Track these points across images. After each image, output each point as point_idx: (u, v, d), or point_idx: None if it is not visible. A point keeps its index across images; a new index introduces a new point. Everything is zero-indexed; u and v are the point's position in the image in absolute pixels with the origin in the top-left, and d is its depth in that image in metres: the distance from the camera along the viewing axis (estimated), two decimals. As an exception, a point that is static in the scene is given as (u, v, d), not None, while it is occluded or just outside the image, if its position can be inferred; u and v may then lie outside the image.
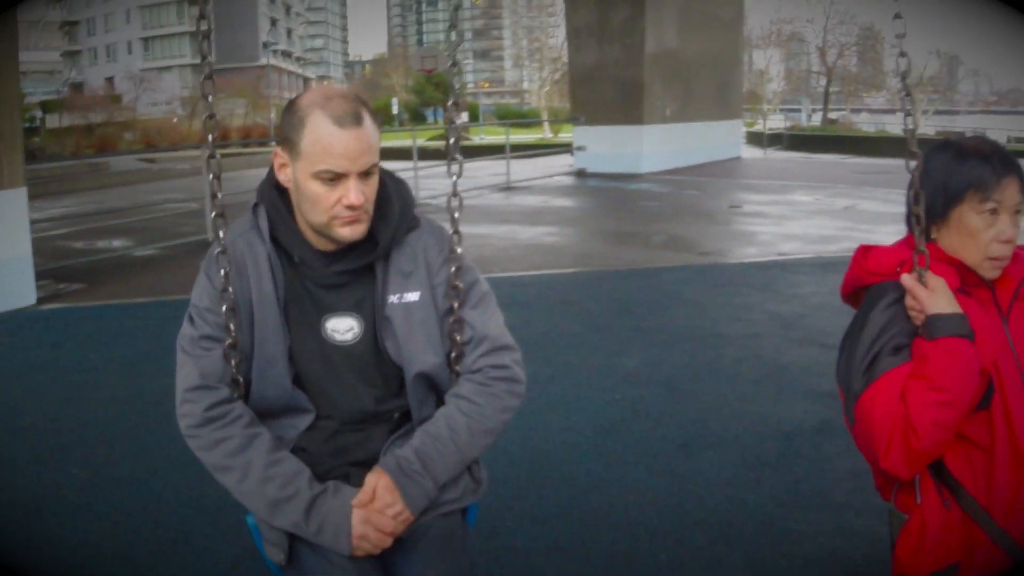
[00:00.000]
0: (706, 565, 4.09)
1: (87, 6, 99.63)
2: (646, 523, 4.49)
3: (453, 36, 2.95)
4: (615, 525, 4.48)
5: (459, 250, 2.52)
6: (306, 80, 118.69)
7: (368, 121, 2.29)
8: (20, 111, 10.13)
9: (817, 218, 15.59)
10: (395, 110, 67.56)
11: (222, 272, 2.37)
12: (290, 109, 2.33)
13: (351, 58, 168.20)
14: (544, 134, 59.83)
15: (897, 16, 2.63)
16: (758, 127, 55.76)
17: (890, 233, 13.62)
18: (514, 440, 5.35)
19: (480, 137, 59.21)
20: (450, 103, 2.77)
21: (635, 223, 15.51)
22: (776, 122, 67.01)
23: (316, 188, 2.27)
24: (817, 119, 71.24)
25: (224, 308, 2.37)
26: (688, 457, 5.28)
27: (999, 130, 60.20)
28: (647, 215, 16.45)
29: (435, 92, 71.43)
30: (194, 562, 4.23)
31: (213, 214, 2.48)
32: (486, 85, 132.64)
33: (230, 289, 2.38)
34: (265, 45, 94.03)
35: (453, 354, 2.51)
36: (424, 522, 2.42)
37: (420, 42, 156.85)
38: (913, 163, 2.34)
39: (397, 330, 2.43)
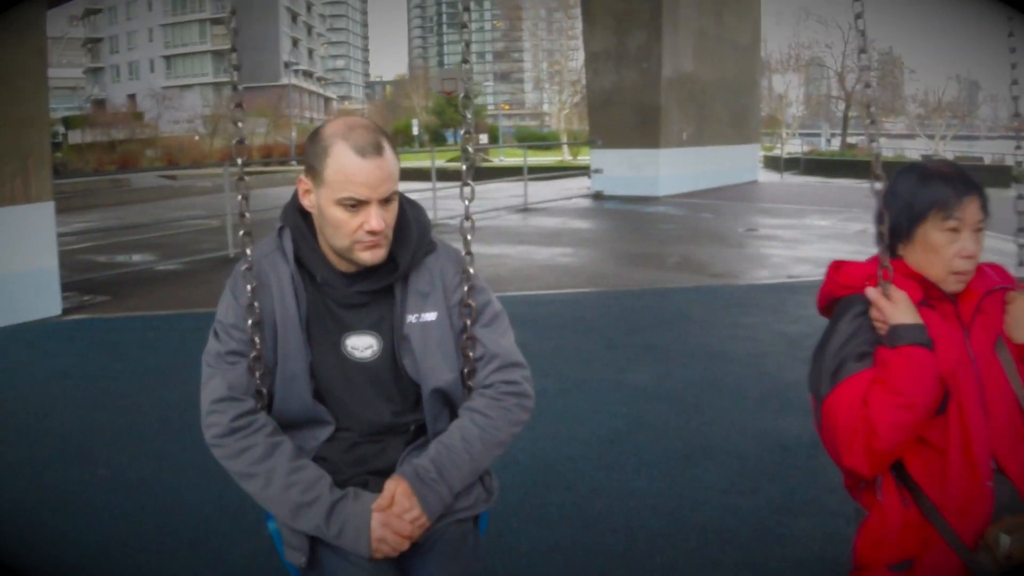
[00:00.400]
0: (700, 565, 4.27)
1: (110, 23, 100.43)
2: (644, 526, 4.68)
3: (464, 66, 3.14)
4: (614, 528, 4.67)
5: (471, 271, 2.66)
6: (327, 100, 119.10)
7: (388, 151, 2.44)
8: (47, 128, 10.42)
9: (830, 242, 15.72)
10: (415, 131, 67.83)
11: (248, 288, 2.52)
12: (314, 139, 2.48)
13: (372, 78, 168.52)
14: (563, 156, 59.97)
15: (860, 29, 2.87)
16: (776, 151, 55.79)
17: (900, 256, 13.84)
18: (522, 448, 5.53)
19: (500, 159, 59.40)
20: (463, 132, 2.97)
21: (650, 245, 15.71)
22: (795, 146, 67.07)
23: (339, 214, 2.42)
24: (836, 144, 71.26)
25: (250, 323, 2.52)
26: (688, 467, 5.47)
27: (1017, 155, 60.04)
28: (662, 237, 16.65)
29: (455, 114, 71.76)
30: (213, 559, 4.42)
31: (241, 232, 2.63)
32: (506, 107, 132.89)
33: (256, 304, 2.52)
34: (287, 65, 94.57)
35: (466, 370, 2.65)
36: (439, 528, 2.54)
37: (441, 63, 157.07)
38: (879, 185, 2.55)
39: (415, 348, 2.57)
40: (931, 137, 74.14)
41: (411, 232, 2.60)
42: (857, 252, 13.87)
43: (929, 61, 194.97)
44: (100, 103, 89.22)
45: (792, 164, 44.95)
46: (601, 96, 26.05)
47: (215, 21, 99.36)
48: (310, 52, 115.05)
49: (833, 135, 76.93)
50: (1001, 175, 37.89)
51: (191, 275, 12.85)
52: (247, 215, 2.66)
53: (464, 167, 2.84)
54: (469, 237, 2.71)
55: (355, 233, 2.42)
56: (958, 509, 2.39)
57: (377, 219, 2.41)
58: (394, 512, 2.44)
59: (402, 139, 66.11)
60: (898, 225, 2.53)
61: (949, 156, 59.41)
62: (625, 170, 24.36)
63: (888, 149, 73.64)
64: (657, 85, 24.69)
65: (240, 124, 2.65)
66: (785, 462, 5.50)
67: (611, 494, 5.13)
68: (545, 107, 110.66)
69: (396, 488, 2.47)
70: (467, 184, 2.77)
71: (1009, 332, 2.53)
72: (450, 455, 2.52)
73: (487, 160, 58.34)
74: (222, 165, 15.70)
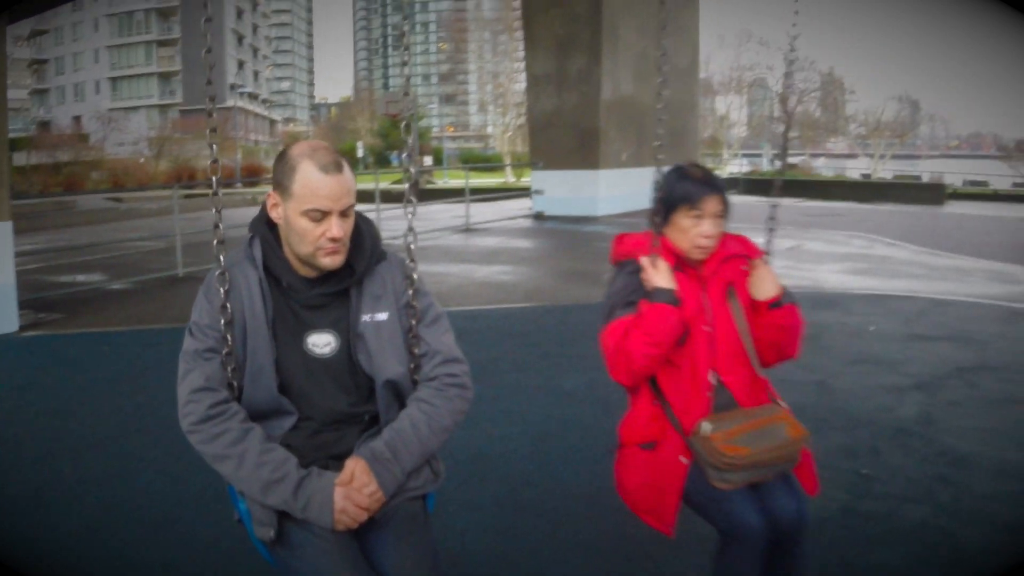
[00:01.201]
0: (618, 541, 4.80)
1: (56, 44, 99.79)
2: (568, 511, 5.21)
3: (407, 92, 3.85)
4: (541, 513, 5.20)
5: (416, 276, 3.09)
6: (272, 122, 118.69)
7: (347, 169, 2.86)
8: (5, 148, 10.79)
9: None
10: (360, 153, 67.92)
11: (222, 291, 2.89)
12: (282, 159, 2.90)
13: (317, 100, 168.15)
14: (507, 178, 60.45)
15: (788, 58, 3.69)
16: (718, 172, 56.52)
17: (830, 271, 14.48)
18: (459, 446, 6.03)
19: (444, 181, 59.76)
20: (403, 155, 3.63)
21: (586, 262, 16.19)
22: (739, 167, 67.88)
23: (304, 224, 2.82)
24: (778, 164, 72.36)
25: (223, 323, 2.89)
26: (611, 460, 5.99)
27: (955, 173, 61.07)
28: (598, 255, 16.95)
29: (400, 136, 71.87)
30: (178, 542, 4.87)
31: (215, 242, 3.03)
32: (451, 129, 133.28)
33: (228, 306, 2.90)
34: (232, 87, 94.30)
35: (412, 365, 3.07)
36: (392, 505, 2.92)
37: (386, 85, 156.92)
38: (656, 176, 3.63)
39: (369, 345, 2.97)
40: (871, 156, 75.26)
41: (365, 242, 3.01)
42: (787, 267, 14.62)
43: (871, 82, 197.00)
44: (45, 125, 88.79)
45: (731, 184, 45.55)
46: (542, 119, 26.54)
47: (161, 43, 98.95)
48: (256, 74, 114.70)
49: (775, 155, 77.95)
50: (937, 192, 38.85)
51: (141, 293, 13.23)
52: (220, 226, 3.10)
53: (407, 185, 3.39)
54: (413, 247, 3.18)
55: (318, 240, 2.83)
56: (685, 409, 3.41)
57: (338, 228, 2.83)
58: (354, 487, 2.81)
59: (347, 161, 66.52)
60: (660, 212, 3.54)
61: (888, 175, 60.52)
62: (565, 191, 24.84)
63: (829, 168, 74.76)
64: (596, 108, 25.21)
65: (215, 147, 3.15)
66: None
67: (540, 484, 5.65)
68: (489, 129, 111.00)
69: (356, 466, 2.85)
70: (410, 201, 3.29)
71: (750, 290, 3.50)
72: (402, 439, 2.92)
73: (431, 182, 58.67)
74: (170, 187, 16.05)
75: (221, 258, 2.99)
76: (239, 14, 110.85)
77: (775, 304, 3.50)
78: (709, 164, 61.01)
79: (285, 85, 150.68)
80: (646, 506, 3.50)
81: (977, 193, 45.70)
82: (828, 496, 5.33)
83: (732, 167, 68.69)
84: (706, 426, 3.28)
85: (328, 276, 2.98)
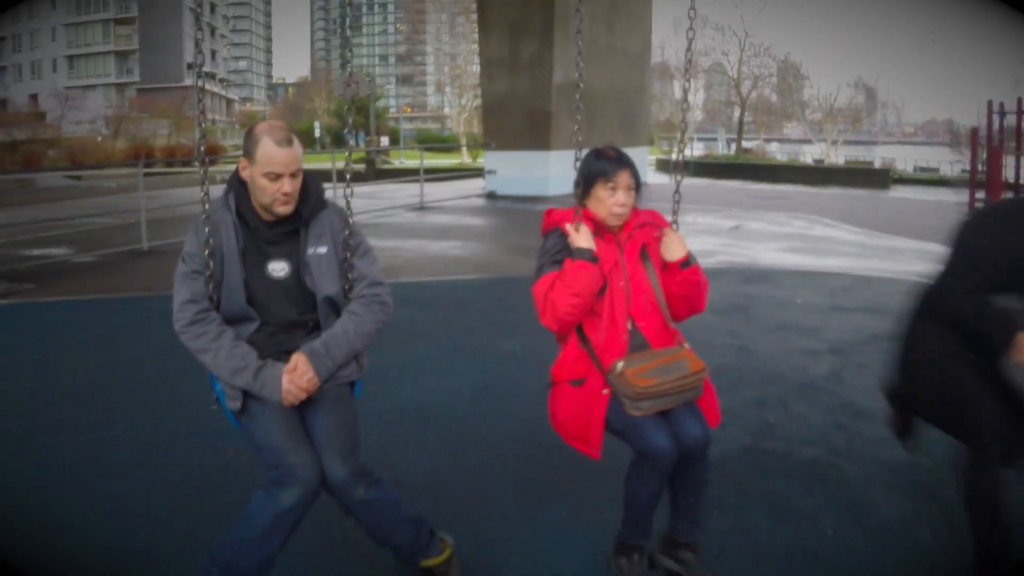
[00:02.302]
0: (545, 474, 5.45)
1: (13, 22, 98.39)
2: (502, 448, 5.85)
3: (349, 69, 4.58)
4: (479, 448, 5.85)
5: (351, 220, 4.02)
6: (229, 101, 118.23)
7: (296, 144, 3.80)
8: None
9: (703, 236, 17.00)
10: (317, 133, 67.99)
11: (206, 229, 3.77)
12: (250, 135, 3.80)
13: (274, 80, 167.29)
14: (463, 159, 60.85)
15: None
16: (674, 155, 57.03)
17: (767, 249, 15.15)
18: (407, 397, 6.70)
19: (400, 161, 60.03)
20: (346, 130, 4.33)
21: (534, 239, 16.11)
22: (697, 151, 68.50)
23: (264, 182, 3.72)
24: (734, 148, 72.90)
25: (206, 252, 3.75)
26: (543, 408, 6.61)
27: (907, 159, 61.99)
28: (547, 233, 17.56)
29: (357, 116, 72.11)
30: (156, 475, 5.45)
31: (202, 193, 3.88)
32: (408, 110, 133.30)
33: (210, 240, 3.76)
34: (190, 66, 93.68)
35: (346, 286, 3.96)
36: (326, 387, 3.84)
37: (343, 66, 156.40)
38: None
39: (313, 270, 3.86)
40: (824, 141, 75.94)
41: (311, 195, 3.92)
42: (726, 245, 15.31)
43: (827, 68, 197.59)
44: (1, 103, 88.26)
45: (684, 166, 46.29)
46: (496, 101, 27.21)
47: (119, 21, 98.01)
48: (213, 53, 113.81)
49: (730, 139, 78.47)
50: (883, 177, 39.60)
51: (108, 266, 13.71)
52: (206, 183, 3.95)
53: (347, 155, 4.40)
54: (351, 199, 4.14)
55: (274, 194, 3.74)
56: (605, 349, 4.06)
57: (288, 185, 3.74)
58: (296, 374, 3.74)
59: (304, 141, 66.27)
60: (582, 187, 4.21)
61: (840, 161, 61.25)
62: (517, 171, 25.48)
63: (783, 153, 75.48)
64: (548, 91, 25.82)
65: (203, 125, 4.10)
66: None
67: (478, 428, 6.27)
68: (446, 110, 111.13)
69: (299, 359, 3.77)
70: (349, 167, 4.23)
71: (661, 253, 4.17)
72: (334, 340, 3.84)
73: (387, 162, 58.96)
74: (134, 165, 16.38)
75: (206, 205, 3.85)
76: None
77: (684, 264, 4.15)
78: (666, 148, 61.80)
79: (242, 64, 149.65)
80: (576, 433, 4.12)
81: (922, 179, 46.57)
82: (734, 438, 6.04)
83: (692, 151, 69.27)
84: (620, 364, 3.95)
85: (283, 220, 3.87)
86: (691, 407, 4.05)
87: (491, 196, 25.58)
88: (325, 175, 22.37)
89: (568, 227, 4.10)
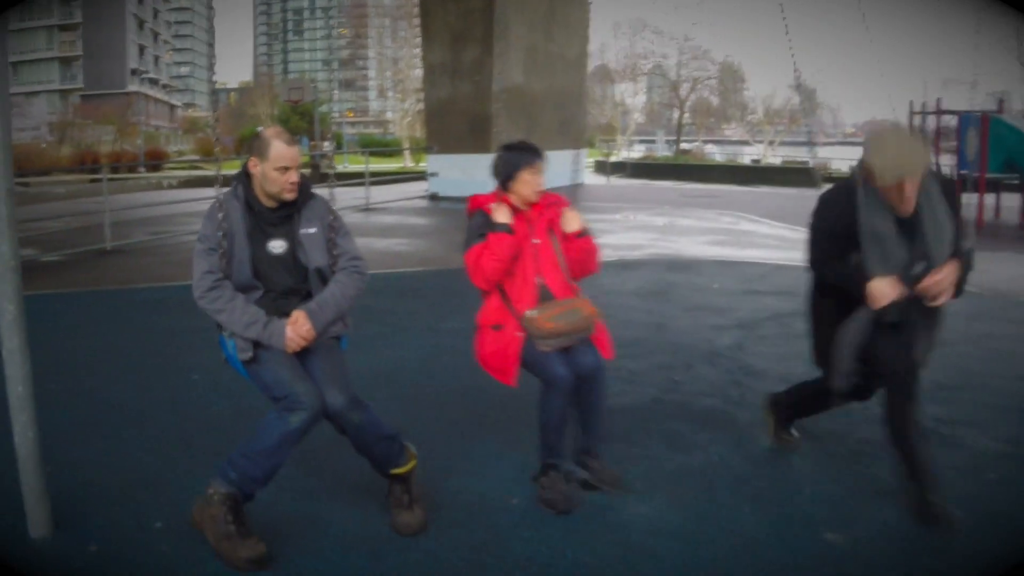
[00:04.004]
0: (476, 418, 6.53)
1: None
2: (447, 406, 6.87)
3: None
4: (425, 407, 6.85)
5: (335, 209, 5.02)
6: (172, 107, 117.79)
7: (296, 145, 4.74)
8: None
9: (633, 232, 18.16)
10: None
11: (220, 215, 4.69)
12: (259, 137, 4.73)
13: (217, 86, 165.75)
14: (406, 163, 61.49)
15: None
16: (615, 156, 58.06)
17: (693, 243, 16.26)
18: (364, 364, 7.60)
19: (344, 165, 60.68)
20: (315, 143, 5.46)
21: (476, 236, 17.62)
22: (638, 152, 69.48)
23: (275, 175, 4.65)
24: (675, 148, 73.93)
25: (220, 233, 4.67)
26: (479, 374, 7.63)
27: (844, 160, 63.24)
28: (488, 230, 18.54)
29: (300, 122, 72.35)
30: (153, 430, 6.38)
31: (217, 187, 4.96)
32: (351, 115, 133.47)
33: (223, 222, 4.69)
34: (134, 72, 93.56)
35: (331, 261, 4.89)
36: (319, 340, 4.73)
37: (286, 71, 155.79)
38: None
39: (305, 247, 4.80)
40: (760, 143, 77.27)
41: (304, 188, 4.85)
42: (654, 239, 16.46)
43: (766, 70, 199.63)
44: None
45: (618, 168, 47.40)
46: (438, 105, 28.04)
47: (63, 27, 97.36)
48: (156, 59, 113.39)
49: (669, 141, 79.44)
50: (813, 176, 40.79)
51: (74, 264, 14.38)
52: (220, 175, 5.22)
53: (323, 164, 5.35)
54: (333, 195, 5.19)
55: (284, 184, 4.68)
56: (519, 300, 5.23)
57: (295, 175, 4.70)
58: (297, 326, 4.64)
59: (247, 147, 66.21)
60: (504, 175, 5.32)
61: (778, 161, 62.53)
62: (459, 174, 26.11)
63: (722, 155, 76.67)
64: (488, 96, 26.67)
65: (216, 123, 5.93)
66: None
67: (425, 389, 7.31)
68: (389, 115, 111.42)
69: (298, 315, 4.67)
70: (330, 168, 5.14)
71: (562, 226, 5.33)
72: (325, 301, 4.76)
73: (332, 167, 59.48)
74: (97, 169, 16.77)
75: (221, 195, 4.80)
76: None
77: (580, 235, 5.36)
78: (605, 150, 62.82)
79: (185, 70, 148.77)
80: (496, 367, 5.25)
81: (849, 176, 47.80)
82: (644, 393, 7.15)
83: (623, 152, 70.32)
84: (531, 312, 5.11)
85: (281, 206, 4.80)
86: (587, 343, 5.24)
87: (434, 197, 26.45)
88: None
89: (492, 206, 5.26)
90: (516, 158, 5.32)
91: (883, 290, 4.80)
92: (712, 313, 10.24)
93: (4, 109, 4.47)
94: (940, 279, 4.75)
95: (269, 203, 4.79)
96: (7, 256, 4.49)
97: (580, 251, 5.39)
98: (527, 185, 5.28)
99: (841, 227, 4.93)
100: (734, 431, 6.32)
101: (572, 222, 5.39)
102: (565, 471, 5.24)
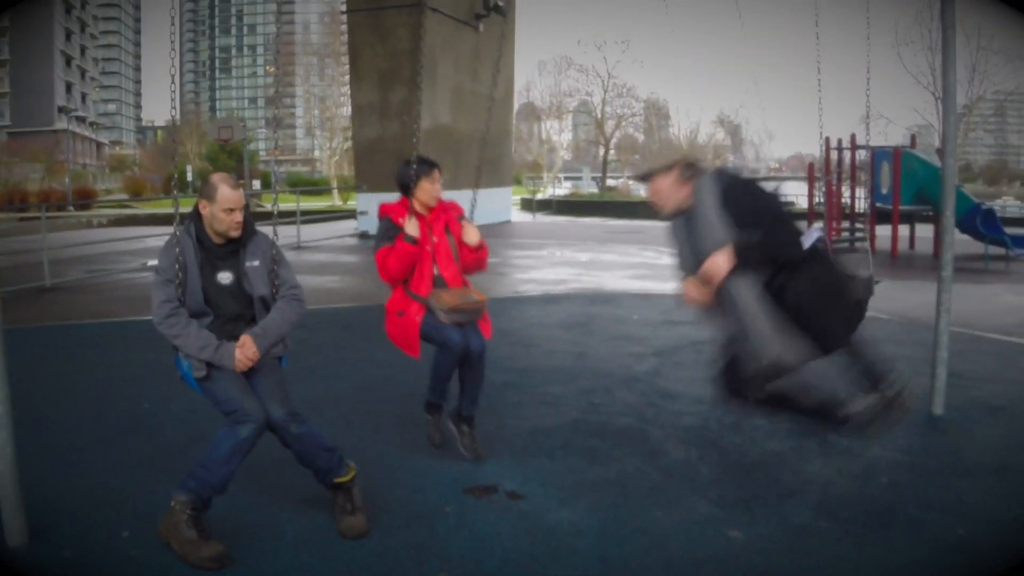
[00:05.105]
0: (410, 435, 6.98)
1: None
2: (382, 429, 7.36)
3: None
4: (363, 430, 7.34)
5: (276, 243, 5.54)
6: (99, 145, 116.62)
7: (241, 189, 5.30)
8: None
9: (558, 267, 18.81)
10: (189, 177, 68.07)
11: (176, 250, 5.18)
12: (207, 182, 5.32)
13: (144, 123, 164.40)
14: (334, 201, 61.72)
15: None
16: (540, 194, 58.64)
17: (615, 277, 16.88)
18: (301, 394, 7.99)
19: (272, 204, 60.58)
20: (243, 181, 6.23)
21: (407, 272, 18.16)
22: (565, 189, 70.01)
23: (222, 215, 5.22)
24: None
25: (176, 266, 5.17)
26: (413, 398, 8.11)
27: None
28: (418, 266, 19.06)
29: (229, 160, 72.17)
30: (119, 445, 6.80)
31: (175, 222, 5.29)
32: (278, 153, 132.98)
33: (178, 257, 5.19)
34: (61, 110, 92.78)
35: (273, 289, 5.43)
36: (263, 360, 5.28)
37: (213, 108, 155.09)
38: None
39: (250, 278, 5.36)
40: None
41: (248, 226, 5.42)
42: (577, 274, 17.16)
43: (691, 105, 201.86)
44: None
45: (544, 205, 48.00)
46: (367, 145, 28.60)
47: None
48: (83, 97, 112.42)
49: (594, 178, 79.96)
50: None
51: (17, 301, 14.44)
52: (178, 217, 5.36)
53: (274, 192, 6.03)
54: (276, 233, 5.63)
55: (230, 223, 5.27)
56: (419, 288, 6.32)
57: (239, 216, 5.29)
58: (244, 348, 5.21)
59: (175, 184, 65.53)
60: (412, 182, 6.35)
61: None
62: (388, 212, 26.68)
63: (644, 190, 77.40)
64: (416, 136, 26.98)
65: (176, 157, 6.15)
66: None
67: (361, 414, 7.75)
68: (316, 153, 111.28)
69: (245, 339, 5.24)
70: (275, 207, 5.71)
71: (462, 236, 6.35)
72: (268, 326, 5.34)
73: (260, 205, 59.51)
74: (39, 207, 16.88)
75: (176, 233, 5.24)
76: (68, 36, 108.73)
77: (478, 248, 6.53)
78: (532, 187, 63.44)
79: (111, 107, 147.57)
80: (403, 343, 6.38)
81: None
82: (565, 414, 7.72)
83: (550, 190, 70.84)
84: (435, 293, 6.25)
85: (228, 243, 5.37)
86: (475, 327, 6.33)
87: (363, 236, 26.85)
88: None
89: (403, 221, 6.24)
90: (416, 169, 6.32)
91: (686, 291, 5.42)
92: (631, 342, 10.80)
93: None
94: (706, 267, 5.20)
95: (218, 240, 5.34)
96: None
97: (475, 258, 6.58)
98: (426, 192, 6.35)
99: (731, 214, 5.25)
100: (648, 446, 6.88)
101: (472, 235, 6.48)
102: (446, 413, 6.67)
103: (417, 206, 6.36)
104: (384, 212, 6.40)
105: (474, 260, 6.57)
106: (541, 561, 4.97)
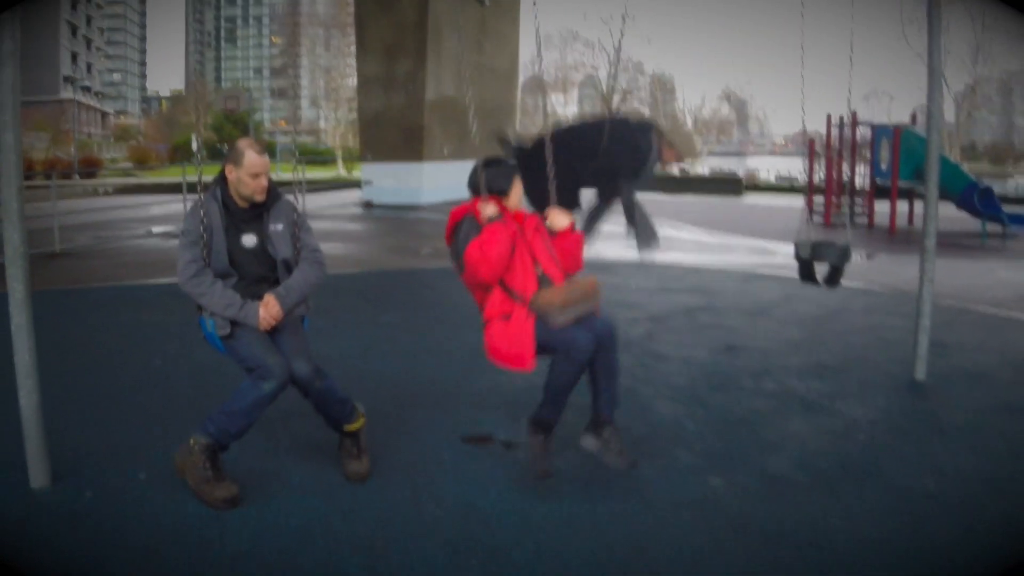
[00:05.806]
0: (412, 397, 7.30)
1: None
2: (385, 385, 7.63)
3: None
4: (368, 386, 7.55)
5: (299, 208, 5.70)
6: (104, 115, 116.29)
7: (266, 154, 5.41)
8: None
9: (559, 238, 18.83)
10: (195, 147, 67.76)
11: (201, 212, 5.32)
12: (235, 147, 5.42)
13: (149, 93, 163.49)
14: (339, 171, 61.71)
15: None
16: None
17: (615, 247, 17.00)
18: (315, 350, 8.40)
19: (276, 174, 60.72)
20: (294, 154, 6.27)
21: (408, 241, 18.80)
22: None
23: (248, 179, 5.34)
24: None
25: (201, 227, 5.32)
26: (415, 361, 8.41)
27: (771, 169, 64.02)
28: (419, 235, 19.67)
29: (234, 130, 71.98)
30: (138, 400, 7.11)
31: (199, 190, 5.53)
32: (283, 124, 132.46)
33: (204, 219, 5.34)
34: (67, 79, 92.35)
35: (295, 252, 5.56)
36: (286, 319, 5.43)
37: (218, 79, 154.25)
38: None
39: (273, 240, 5.48)
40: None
41: (272, 190, 5.54)
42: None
43: (697, 80, 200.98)
44: None
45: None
46: (372, 116, 28.71)
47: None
48: (89, 67, 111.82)
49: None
50: (737, 185, 41.85)
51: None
52: (201, 181, 5.62)
53: (295, 166, 6.23)
54: (300, 199, 5.76)
55: (255, 187, 5.39)
56: (523, 290, 5.42)
57: (265, 180, 5.42)
58: (268, 307, 5.34)
59: (183, 155, 65.95)
60: (499, 187, 5.58)
61: (705, 172, 63.26)
62: (392, 182, 27.09)
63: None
64: (421, 107, 27.48)
65: (199, 125, 6.30)
66: (464, 350, 8.49)
67: (365, 372, 8.04)
68: (322, 124, 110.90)
69: (269, 298, 5.36)
70: (300, 182, 5.93)
71: (549, 225, 5.69)
72: (291, 286, 5.45)
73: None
74: (46, 175, 17.13)
75: (202, 196, 5.47)
76: (73, 5, 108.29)
77: (572, 230, 5.73)
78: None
79: (117, 77, 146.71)
80: (512, 353, 5.26)
81: (775, 186, 49.15)
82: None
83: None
84: (538, 294, 5.32)
85: (253, 207, 5.49)
86: (592, 315, 5.41)
87: (368, 205, 27.07)
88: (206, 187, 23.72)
89: (480, 206, 5.45)
90: (509, 171, 5.65)
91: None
92: (627, 308, 11.12)
93: (14, 110, 5.10)
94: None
95: (242, 204, 5.47)
96: (17, 243, 5.35)
97: (573, 244, 5.71)
98: (519, 194, 5.67)
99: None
100: (637, 402, 7.16)
101: (561, 219, 5.70)
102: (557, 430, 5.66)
103: (508, 206, 5.62)
104: (460, 213, 5.62)
105: (571, 249, 5.69)
106: (530, 502, 5.27)
